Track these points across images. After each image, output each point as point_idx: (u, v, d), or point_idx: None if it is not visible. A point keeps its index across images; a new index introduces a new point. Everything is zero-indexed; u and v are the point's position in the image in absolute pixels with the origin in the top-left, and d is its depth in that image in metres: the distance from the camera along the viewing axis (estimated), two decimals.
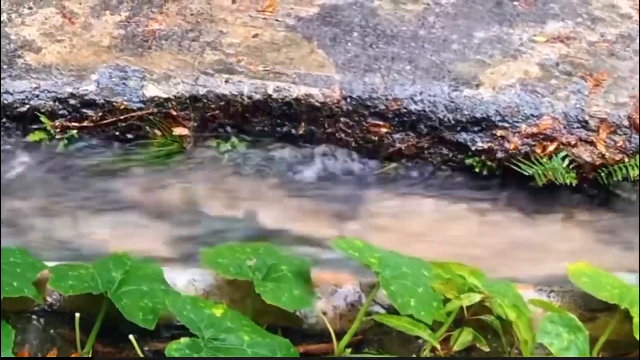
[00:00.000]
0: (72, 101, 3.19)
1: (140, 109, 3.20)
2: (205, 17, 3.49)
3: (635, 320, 2.42)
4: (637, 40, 3.46)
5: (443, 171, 3.22)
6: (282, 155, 3.23)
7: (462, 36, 3.46)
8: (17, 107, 3.17)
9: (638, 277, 2.66)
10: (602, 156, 3.13)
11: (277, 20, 3.49)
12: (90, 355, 2.39)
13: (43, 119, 3.17)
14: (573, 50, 3.41)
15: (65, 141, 3.18)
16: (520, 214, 3.15)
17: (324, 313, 2.49)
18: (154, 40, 3.38)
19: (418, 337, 2.44)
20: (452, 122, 3.18)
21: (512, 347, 2.45)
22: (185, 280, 2.52)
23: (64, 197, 3.08)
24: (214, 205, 3.10)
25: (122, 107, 3.19)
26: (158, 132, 3.21)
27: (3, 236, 2.81)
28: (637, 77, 3.30)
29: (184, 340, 2.22)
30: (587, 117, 3.18)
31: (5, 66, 3.23)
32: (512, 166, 3.14)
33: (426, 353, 2.43)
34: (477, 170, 3.18)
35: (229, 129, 3.25)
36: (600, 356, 2.46)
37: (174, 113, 3.21)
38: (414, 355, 2.47)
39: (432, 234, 3.06)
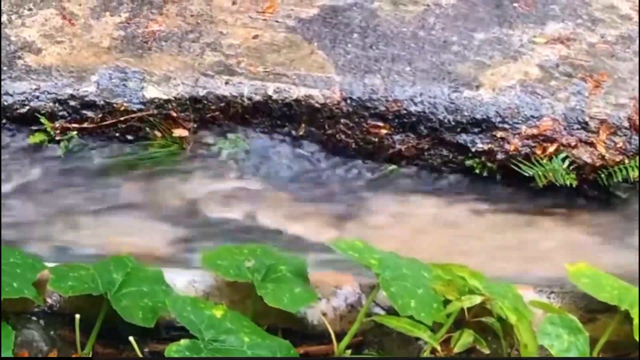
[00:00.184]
0: (72, 102, 3.19)
1: (140, 110, 3.19)
2: (205, 18, 3.50)
3: (636, 321, 2.42)
4: (637, 42, 3.46)
5: (443, 172, 3.22)
6: (282, 157, 3.23)
7: (462, 37, 3.46)
8: (17, 109, 3.17)
9: (638, 278, 2.66)
10: (602, 157, 3.13)
11: (277, 21, 3.49)
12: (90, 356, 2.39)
13: (43, 120, 3.17)
14: (573, 51, 3.42)
15: (66, 142, 3.18)
16: (521, 215, 3.15)
17: (324, 314, 2.49)
18: (154, 42, 3.38)
19: (418, 339, 2.44)
20: (452, 123, 3.18)
21: (513, 348, 2.45)
22: (185, 281, 2.52)
23: (64, 198, 3.08)
24: (213, 207, 3.10)
25: (122, 108, 3.19)
26: (158, 134, 3.21)
27: (3, 237, 2.80)
28: (637, 78, 3.30)
29: (183, 341, 2.22)
30: (587, 119, 3.18)
31: (5, 67, 3.23)
32: (513, 167, 3.14)
33: (426, 354, 2.43)
34: (477, 171, 3.18)
35: (229, 130, 3.25)
36: (600, 356, 2.46)
37: (174, 114, 3.21)
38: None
39: (433, 235, 3.06)
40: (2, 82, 3.18)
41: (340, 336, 2.44)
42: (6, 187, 3.06)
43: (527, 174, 3.11)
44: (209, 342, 2.24)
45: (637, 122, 3.15)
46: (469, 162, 3.19)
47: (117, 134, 3.22)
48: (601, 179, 3.13)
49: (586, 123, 3.17)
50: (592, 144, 3.15)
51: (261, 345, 2.28)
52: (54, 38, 3.38)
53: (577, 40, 3.47)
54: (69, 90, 3.20)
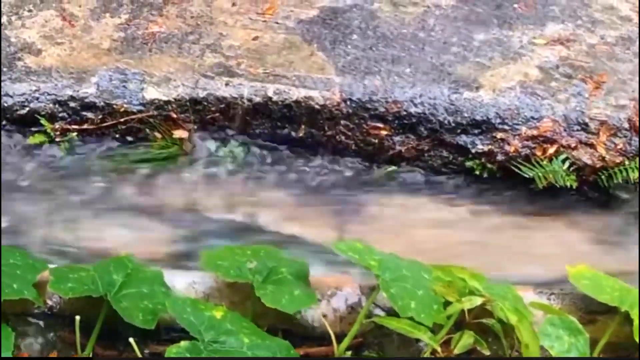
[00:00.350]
0: (72, 104, 3.19)
1: (140, 111, 3.20)
2: (205, 19, 3.50)
3: (636, 322, 2.42)
4: (637, 43, 3.46)
5: (443, 174, 3.22)
6: (282, 158, 3.23)
7: (462, 39, 3.46)
8: (17, 110, 3.17)
9: (638, 279, 2.66)
10: (603, 159, 3.13)
11: (277, 22, 3.49)
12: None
13: (43, 121, 3.17)
14: (573, 52, 3.42)
15: (65, 144, 3.18)
16: (521, 216, 3.15)
17: (324, 315, 2.49)
18: (154, 43, 3.38)
19: (418, 340, 2.44)
20: (452, 124, 3.18)
21: (513, 350, 2.45)
22: (185, 282, 2.52)
23: (64, 199, 3.08)
24: (214, 208, 3.10)
25: (122, 109, 3.19)
26: (158, 135, 3.21)
27: (3, 238, 2.80)
28: (637, 79, 3.30)
29: (183, 343, 2.22)
30: (587, 120, 3.18)
31: (5, 69, 3.23)
32: (513, 169, 3.13)
33: (426, 356, 2.43)
34: (477, 172, 3.18)
35: (229, 131, 3.25)
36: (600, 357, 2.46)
37: (174, 116, 3.21)
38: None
39: (433, 237, 3.06)
40: (2, 84, 3.18)
41: (340, 337, 2.44)
42: (6, 188, 3.06)
43: (527, 176, 3.11)
44: (209, 343, 2.24)
45: (637, 124, 3.15)
46: (469, 164, 3.19)
47: (117, 135, 3.22)
48: (601, 180, 3.13)
49: (586, 124, 3.17)
50: (592, 146, 3.15)
51: (261, 346, 2.28)
52: (54, 39, 3.38)
53: (577, 41, 3.47)
54: (69, 92, 3.20)
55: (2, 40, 3.33)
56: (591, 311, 2.54)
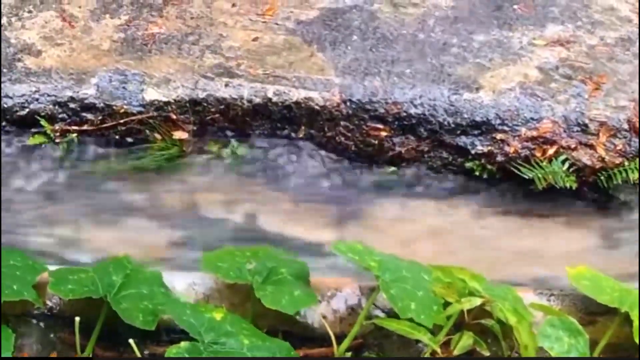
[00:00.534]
0: (72, 105, 3.19)
1: (140, 112, 3.19)
2: (205, 20, 3.50)
3: (636, 323, 2.42)
4: (637, 44, 3.46)
5: (443, 175, 3.22)
6: (282, 159, 3.23)
7: (462, 40, 3.46)
8: (17, 111, 3.17)
9: (638, 281, 2.66)
10: (602, 160, 3.13)
11: (276, 23, 3.50)
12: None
13: (43, 122, 3.17)
14: (573, 53, 3.42)
15: (65, 145, 3.18)
16: (520, 217, 3.15)
17: (324, 317, 2.49)
18: (153, 44, 3.38)
19: (418, 341, 2.44)
20: (452, 125, 3.18)
21: (512, 351, 2.45)
22: (185, 284, 2.52)
23: (64, 200, 3.08)
24: (213, 209, 3.10)
25: (122, 110, 3.19)
26: (158, 136, 3.21)
27: (3, 239, 2.80)
28: (637, 80, 3.30)
29: (183, 344, 2.22)
30: (587, 121, 3.18)
31: (5, 70, 3.23)
32: (512, 169, 3.13)
33: (426, 356, 2.43)
34: (477, 173, 3.18)
35: (228, 132, 3.25)
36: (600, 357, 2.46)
37: (174, 117, 3.21)
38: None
39: (432, 238, 3.06)
40: (2, 85, 3.18)
41: (340, 338, 2.44)
42: (6, 189, 3.06)
43: (526, 177, 3.11)
44: (208, 344, 2.24)
45: (637, 125, 3.16)
46: (468, 165, 3.19)
47: (116, 137, 3.22)
48: (601, 181, 3.13)
49: (586, 125, 3.17)
50: (591, 146, 3.15)
51: (261, 347, 2.28)
52: (53, 40, 3.38)
53: (576, 42, 3.47)
54: (69, 93, 3.20)
55: (2, 42, 3.33)
56: (591, 312, 2.54)
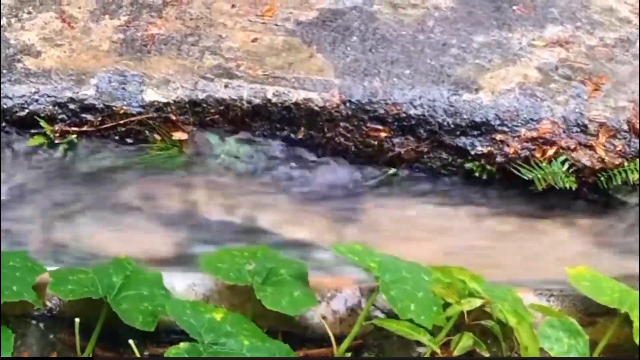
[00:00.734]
0: (71, 106, 3.19)
1: (139, 113, 3.19)
2: (204, 21, 3.50)
3: (635, 324, 2.42)
4: (637, 44, 3.46)
5: (442, 176, 3.22)
6: (281, 160, 3.23)
7: (462, 40, 3.46)
8: (16, 112, 3.17)
9: (638, 281, 2.66)
10: (602, 160, 3.13)
11: (276, 24, 3.49)
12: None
13: (42, 123, 3.17)
14: (572, 54, 3.42)
15: (65, 146, 3.18)
16: (520, 218, 3.15)
17: (324, 317, 2.49)
18: (153, 45, 3.38)
19: (418, 342, 2.44)
20: (452, 126, 3.18)
21: (512, 351, 2.45)
22: (185, 284, 2.52)
23: (64, 201, 3.08)
24: (213, 210, 3.10)
25: (121, 111, 3.19)
26: (157, 137, 3.21)
27: (3, 240, 2.80)
28: (637, 81, 3.30)
29: (183, 345, 2.22)
30: (586, 121, 3.18)
31: (4, 71, 3.23)
32: (512, 170, 3.13)
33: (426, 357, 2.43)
34: (476, 174, 3.18)
35: (228, 133, 3.25)
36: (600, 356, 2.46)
37: (174, 117, 3.21)
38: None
39: (432, 239, 3.06)
40: (2, 85, 3.18)
41: (340, 339, 2.44)
42: (6, 190, 3.06)
43: (526, 177, 3.11)
44: (208, 345, 2.25)
45: (637, 125, 3.16)
46: (468, 165, 3.19)
47: (116, 137, 3.22)
48: (601, 182, 3.13)
49: (585, 126, 3.17)
50: (591, 147, 3.15)
51: (261, 348, 2.28)
52: (53, 41, 3.38)
53: (576, 43, 3.47)
54: (69, 94, 3.19)
55: (1, 42, 3.33)
56: (591, 313, 2.55)
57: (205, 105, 3.21)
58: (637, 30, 3.53)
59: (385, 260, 2.48)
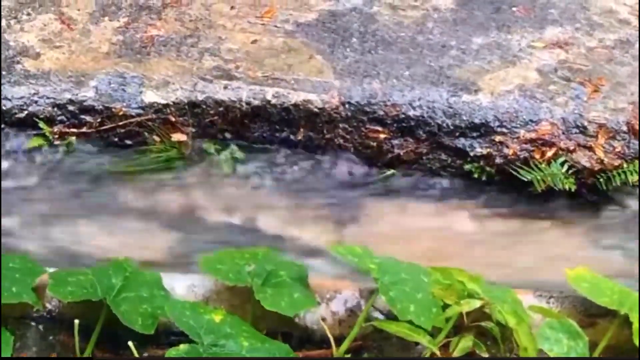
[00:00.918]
0: (70, 107, 3.19)
1: (138, 115, 3.19)
2: (203, 23, 3.50)
3: (635, 325, 2.41)
4: (636, 46, 3.47)
5: (442, 177, 3.21)
6: (280, 161, 3.23)
7: (461, 42, 3.46)
8: (15, 113, 3.17)
9: (638, 282, 2.66)
10: (601, 162, 3.13)
11: (275, 26, 3.50)
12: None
13: (42, 125, 3.17)
14: (572, 55, 3.42)
15: (64, 147, 3.18)
16: (519, 219, 3.15)
17: (324, 319, 2.49)
18: (152, 46, 3.38)
19: (417, 343, 2.43)
20: (451, 127, 3.18)
21: (512, 353, 2.45)
22: (184, 286, 2.52)
23: (63, 202, 3.08)
24: (212, 211, 3.10)
25: (120, 113, 3.19)
26: (157, 138, 3.21)
27: (2, 241, 2.80)
28: (636, 82, 3.30)
29: (182, 346, 2.22)
30: (585, 123, 3.18)
31: (4, 72, 3.22)
32: (511, 172, 3.13)
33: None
34: (475, 175, 3.18)
35: (227, 134, 3.25)
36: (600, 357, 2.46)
37: (173, 119, 3.21)
38: None
39: (431, 240, 3.06)
40: (1, 87, 3.17)
41: (339, 341, 2.44)
42: (5, 191, 3.06)
43: (525, 179, 3.11)
44: (208, 346, 2.24)
45: (636, 127, 3.16)
46: (467, 167, 3.19)
47: (115, 139, 3.21)
48: (600, 183, 3.13)
49: (585, 127, 3.17)
50: (590, 148, 3.15)
51: (260, 349, 2.28)
52: (52, 43, 3.38)
53: (575, 44, 3.47)
54: (68, 95, 3.19)
55: (1, 44, 3.33)
56: (590, 314, 2.54)
57: (204, 106, 3.21)
58: (637, 32, 3.53)
59: (385, 262, 2.48)
